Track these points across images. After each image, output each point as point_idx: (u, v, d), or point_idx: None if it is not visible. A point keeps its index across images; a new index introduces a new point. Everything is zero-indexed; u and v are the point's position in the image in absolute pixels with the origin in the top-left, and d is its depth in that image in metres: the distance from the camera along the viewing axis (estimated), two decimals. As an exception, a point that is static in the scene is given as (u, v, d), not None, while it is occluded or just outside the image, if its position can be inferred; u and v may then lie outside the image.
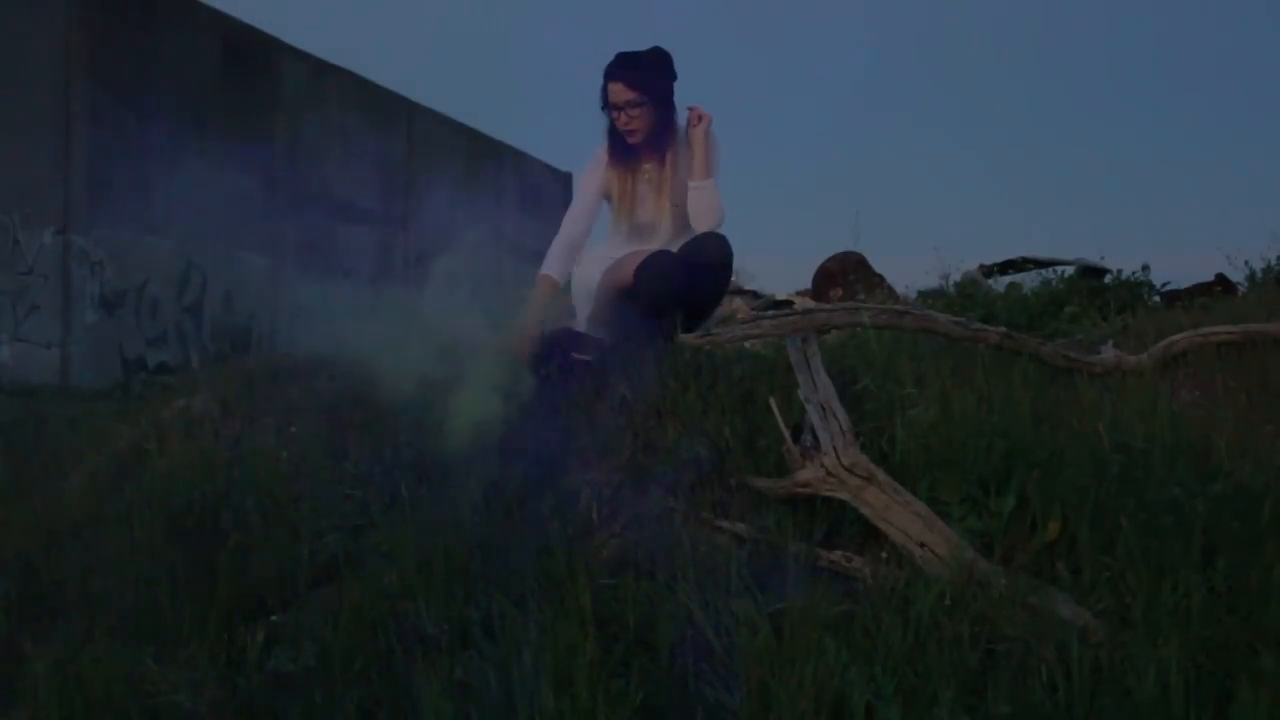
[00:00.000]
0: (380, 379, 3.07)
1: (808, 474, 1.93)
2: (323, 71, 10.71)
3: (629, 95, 3.35)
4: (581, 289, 3.60)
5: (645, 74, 3.37)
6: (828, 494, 1.92)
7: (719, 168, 3.45)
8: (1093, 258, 4.95)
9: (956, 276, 4.88)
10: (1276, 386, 2.45)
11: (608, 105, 3.42)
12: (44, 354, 7.60)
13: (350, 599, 2.01)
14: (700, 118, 3.35)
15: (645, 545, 2.00)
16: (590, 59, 3.51)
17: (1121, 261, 4.59)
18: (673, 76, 3.44)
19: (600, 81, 3.45)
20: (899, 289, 4.94)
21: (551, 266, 3.43)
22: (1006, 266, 5.34)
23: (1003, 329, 2.64)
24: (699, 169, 3.32)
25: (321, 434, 2.84)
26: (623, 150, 3.45)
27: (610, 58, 3.50)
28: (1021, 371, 2.49)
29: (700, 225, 3.31)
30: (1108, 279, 4.53)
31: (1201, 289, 4.18)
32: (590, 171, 3.53)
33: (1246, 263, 4.13)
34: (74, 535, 2.53)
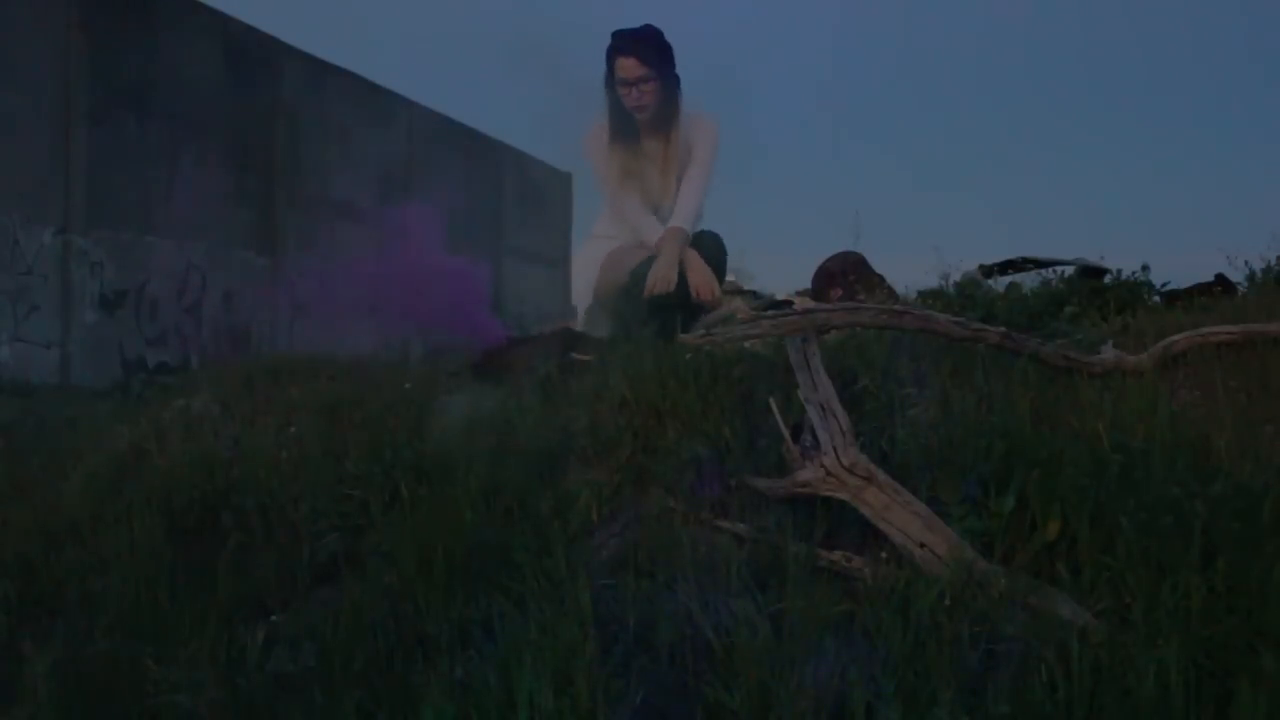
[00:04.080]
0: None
1: (808, 474, 1.93)
2: (323, 71, 10.70)
3: (641, 71, 3.31)
4: (582, 277, 3.62)
5: (653, 48, 3.34)
6: (828, 494, 1.92)
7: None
8: (1093, 258, 4.93)
9: (956, 276, 4.86)
10: (1276, 386, 2.45)
11: (615, 83, 3.37)
12: (44, 354, 7.60)
13: (350, 599, 2.01)
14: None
15: (645, 545, 2.00)
16: (592, 56, 3.53)
17: (1121, 261, 4.56)
18: (671, 48, 3.43)
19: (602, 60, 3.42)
20: (899, 289, 4.92)
21: (654, 230, 3.51)
22: (1006, 266, 5.32)
23: (1003, 329, 2.63)
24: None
25: (321, 434, 2.84)
26: (626, 129, 3.42)
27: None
28: (1021, 371, 2.48)
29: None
30: (1108, 279, 4.51)
31: (1201, 289, 4.15)
32: (600, 155, 3.50)
33: (1246, 263, 4.10)
34: (74, 535, 2.53)
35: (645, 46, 3.34)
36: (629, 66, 3.33)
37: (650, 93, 3.35)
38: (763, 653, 1.58)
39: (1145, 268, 4.38)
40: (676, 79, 3.44)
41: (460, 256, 9.16)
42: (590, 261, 3.64)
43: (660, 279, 3.38)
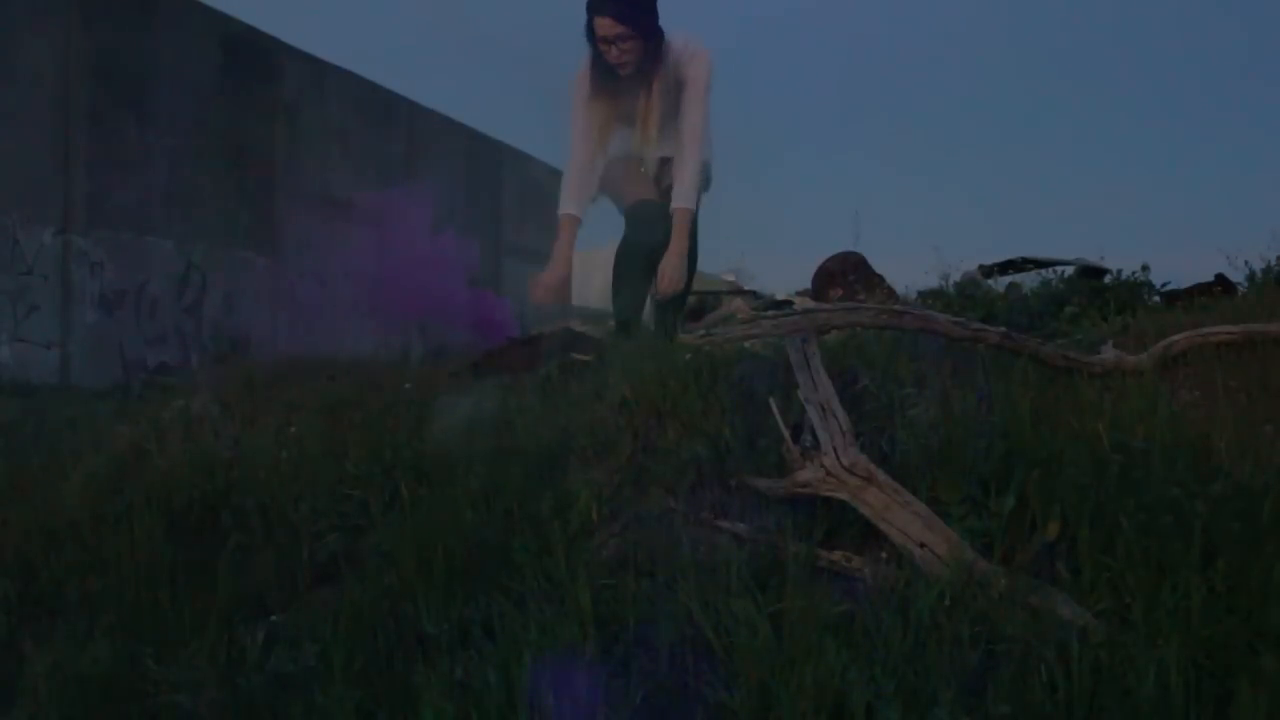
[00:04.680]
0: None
1: (808, 474, 1.93)
2: (323, 71, 10.70)
3: (618, 29, 3.24)
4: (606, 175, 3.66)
5: (631, 5, 3.28)
6: (828, 494, 1.92)
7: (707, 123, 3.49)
8: (1093, 258, 4.95)
9: (956, 276, 4.87)
10: (1276, 386, 2.45)
11: (594, 39, 3.33)
12: (44, 354, 7.60)
13: (350, 599, 2.01)
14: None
15: (645, 545, 2.00)
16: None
17: (1121, 261, 4.57)
18: (654, 1, 3.36)
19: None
20: (899, 289, 4.94)
21: (569, 205, 3.51)
22: (1006, 266, 5.34)
23: (1003, 329, 2.63)
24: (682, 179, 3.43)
25: (321, 434, 2.84)
26: (607, 80, 3.39)
27: None
28: (1021, 371, 2.49)
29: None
30: (1108, 279, 4.52)
31: (1201, 289, 4.16)
32: (578, 105, 3.49)
33: (1246, 263, 4.11)
34: (74, 535, 2.53)
35: (622, 4, 3.27)
36: (605, 25, 3.25)
37: (629, 50, 3.28)
38: (763, 653, 1.58)
39: (1145, 268, 4.39)
40: (659, 33, 3.36)
41: (461, 254, 9.15)
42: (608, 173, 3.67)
43: (671, 277, 3.42)
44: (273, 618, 2.10)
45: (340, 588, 2.12)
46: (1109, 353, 2.77)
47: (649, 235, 3.50)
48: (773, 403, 2.07)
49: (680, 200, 3.40)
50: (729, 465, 2.20)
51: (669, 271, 3.40)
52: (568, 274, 3.49)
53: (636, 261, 3.58)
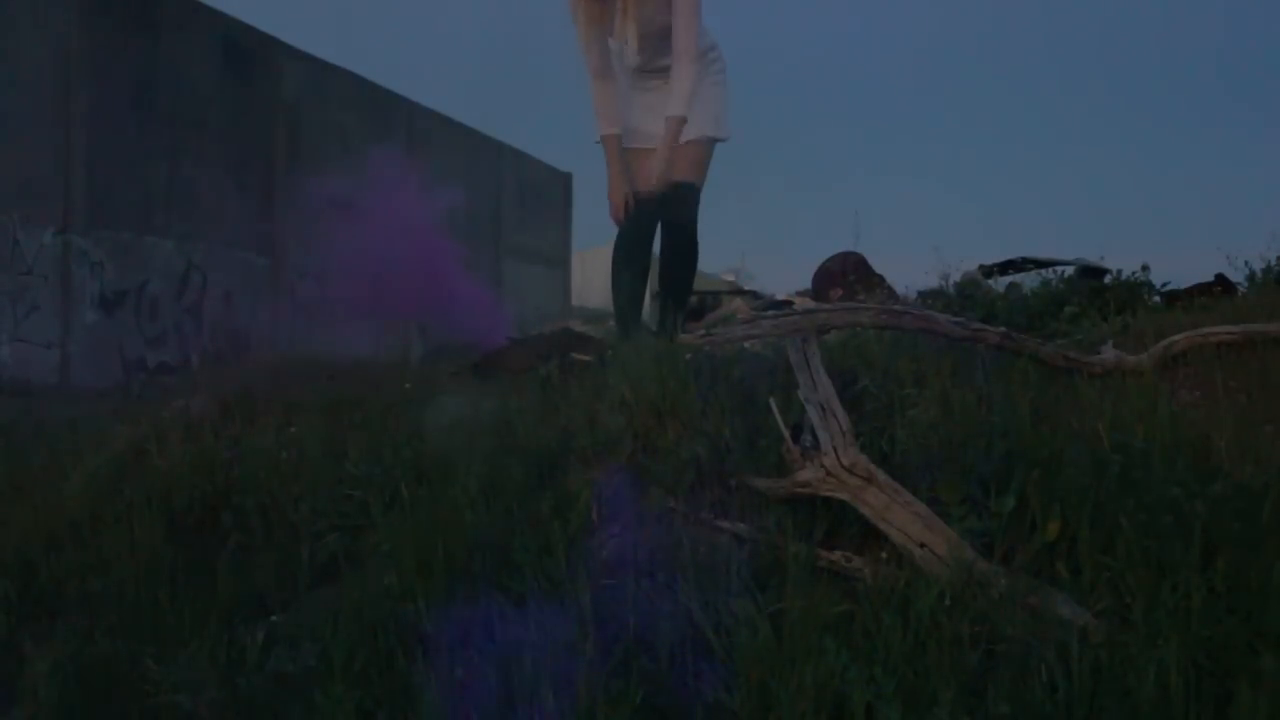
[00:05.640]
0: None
1: (808, 474, 1.93)
2: (323, 71, 10.70)
3: None
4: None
5: None
6: (828, 494, 1.92)
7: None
8: (1093, 258, 4.95)
9: (956, 276, 4.88)
10: (1276, 386, 2.45)
11: None
12: (44, 354, 7.59)
13: (350, 599, 2.02)
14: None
15: (645, 545, 2.00)
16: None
17: (1121, 261, 4.58)
18: None
19: None
20: (899, 289, 4.95)
21: (602, 126, 3.56)
22: (1006, 266, 5.35)
23: (1003, 329, 2.64)
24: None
25: (321, 434, 2.84)
26: None
27: None
28: (1021, 371, 2.49)
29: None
30: (1108, 279, 4.52)
31: (1201, 289, 4.17)
32: (574, 20, 3.52)
33: (1246, 263, 4.13)
34: (74, 535, 2.53)
35: None
36: None
37: None
38: (763, 653, 1.58)
39: (1145, 268, 4.39)
40: None
41: (462, 255, 9.13)
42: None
43: (660, 172, 3.45)
44: (273, 618, 2.10)
45: (340, 588, 2.12)
46: (1109, 353, 2.77)
47: (643, 220, 3.59)
48: (773, 403, 2.07)
49: (672, 110, 3.43)
50: (729, 465, 2.20)
51: (658, 167, 3.43)
52: (627, 191, 3.54)
53: (632, 250, 3.64)
